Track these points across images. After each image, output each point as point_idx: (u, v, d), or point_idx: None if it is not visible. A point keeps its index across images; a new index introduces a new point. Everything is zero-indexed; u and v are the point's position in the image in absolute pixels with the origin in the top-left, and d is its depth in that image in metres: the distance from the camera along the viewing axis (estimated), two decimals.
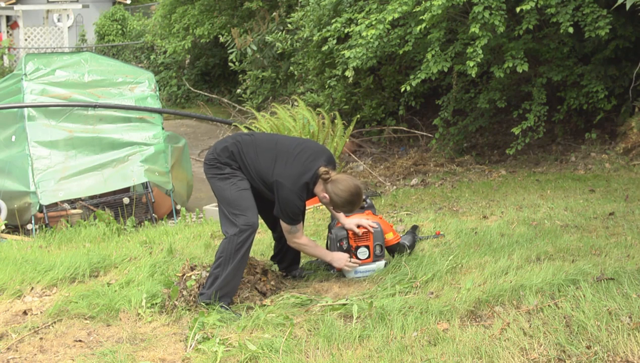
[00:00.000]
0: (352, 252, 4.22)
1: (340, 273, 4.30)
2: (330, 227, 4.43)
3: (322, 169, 3.90)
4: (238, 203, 3.89)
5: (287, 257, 4.42)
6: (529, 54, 8.04)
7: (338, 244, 4.24)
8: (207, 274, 3.93)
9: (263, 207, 4.09)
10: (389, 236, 4.37)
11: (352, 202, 3.96)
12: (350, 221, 4.26)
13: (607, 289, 3.41)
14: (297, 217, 3.96)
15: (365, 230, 4.23)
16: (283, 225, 4.02)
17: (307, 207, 6.59)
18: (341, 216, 4.30)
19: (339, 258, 4.20)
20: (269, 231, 4.65)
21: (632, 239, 4.49)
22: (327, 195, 3.92)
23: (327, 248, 4.42)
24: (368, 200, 4.57)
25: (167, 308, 3.85)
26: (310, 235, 5.48)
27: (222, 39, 13.13)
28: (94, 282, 4.51)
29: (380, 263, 4.26)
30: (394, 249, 4.42)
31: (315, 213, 6.48)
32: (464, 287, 3.70)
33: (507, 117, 9.40)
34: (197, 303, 3.82)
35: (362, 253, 4.22)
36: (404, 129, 10.01)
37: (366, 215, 4.38)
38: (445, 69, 7.65)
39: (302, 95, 10.77)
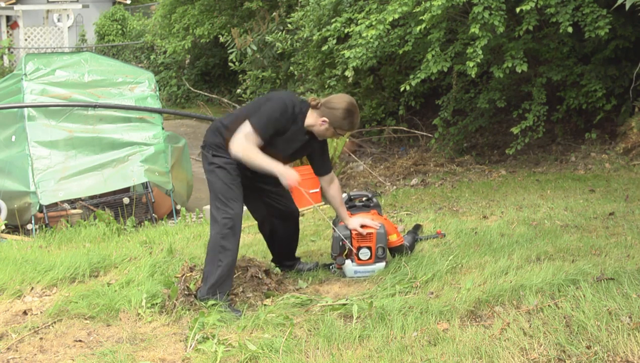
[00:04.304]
0: (354, 252, 4.21)
1: (341, 273, 4.31)
2: (334, 223, 4.37)
3: (311, 97, 3.86)
4: (224, 194, 3.82)
5: (279, 252, 4.45)
6: (528, 54, 8.04)
7: (340, 243, 4.22)
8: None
9: (252, 200, 4.08)
10: (393, 237, 4.34)
11: (352, 112, 3.84)
12: (355, 220, 4.21)
13: (607, 289, 3.41)
14: (266, 126, 3.72)
15: (370, 230, 4.18)
16: (243, 128, 3.72)
17: (307, 207, 6.63)
18: (345, 215, 4.24)
19: (291, 175, 3.78)
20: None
21: (632, 239, 4.49)
22: (324, 118, 3.83)
23: (331, 247, 4.38)
24: (374, 199, 4.56)
25: (167, 308, 3.84)
26: (310, 235, 5.48)
27: (222, 39, 13.12)
28: (94, 282, 4.51)
29: (380, 265, 4.25)
30: (396, 250, 4.41)
31: (316, 213, 6.48)
32: (464, 287, 3.70)
33: (507, 117, 9.39)
34: (197, 303, 3.82)
35: (364, 254, 4.20)
36: (404, 129, 10.01)
37: (371, 215, 4.36)
38: (445, 69, 7.65)
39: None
